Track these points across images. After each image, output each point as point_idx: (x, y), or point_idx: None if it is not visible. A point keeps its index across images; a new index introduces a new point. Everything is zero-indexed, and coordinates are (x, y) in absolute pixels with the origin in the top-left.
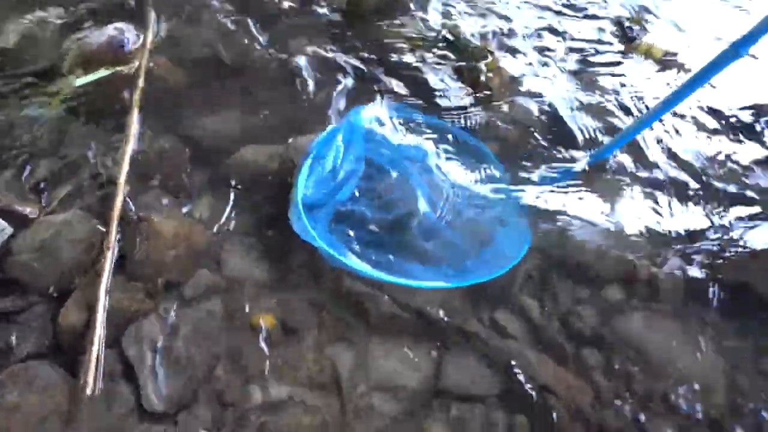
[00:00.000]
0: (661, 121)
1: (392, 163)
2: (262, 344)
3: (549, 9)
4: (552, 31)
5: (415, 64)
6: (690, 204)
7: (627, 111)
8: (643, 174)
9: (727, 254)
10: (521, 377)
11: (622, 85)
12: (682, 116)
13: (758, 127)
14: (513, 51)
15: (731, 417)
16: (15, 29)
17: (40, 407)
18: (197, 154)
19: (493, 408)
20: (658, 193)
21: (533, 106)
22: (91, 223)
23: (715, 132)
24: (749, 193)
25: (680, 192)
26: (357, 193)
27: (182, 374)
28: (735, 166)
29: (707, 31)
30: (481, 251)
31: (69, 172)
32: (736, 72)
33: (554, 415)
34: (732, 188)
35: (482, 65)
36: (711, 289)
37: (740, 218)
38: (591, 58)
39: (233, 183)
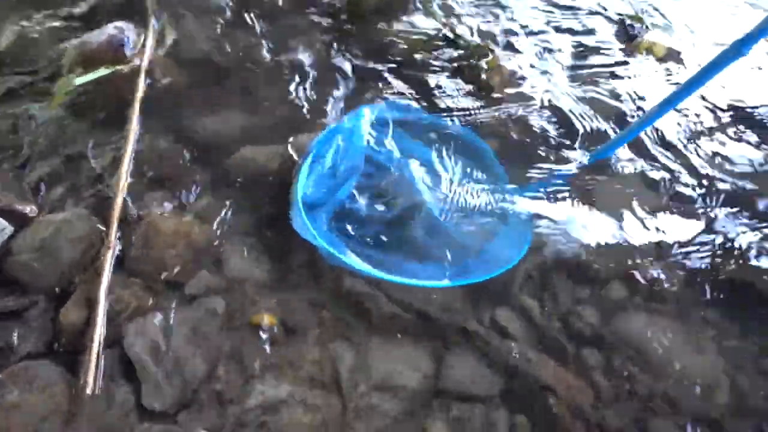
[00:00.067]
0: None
1: (392, 161)
2: (262, 344)
3: (550, 7)
4: (553, 28)
5: (415, 63)
6: (691, 203)
7: (628, 109)
8: (644, 172)
9: (729, 253)
10: (521, 377)
11: (624, 84)
12: (684, 114)
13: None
14: (514, 49)
15: (732, 417)
16: (15, 29)
17: (40, 407)
18: (197, 154)
19: (493, 408)
20: (659, 191)
21: (534, 105)
22: (91, 222)
23: (717, 129)
24: (751, 192)
25: (682, 190)
26: (357, 192)
27: (182, 373)
28: (737, 164)
29: (709, 29)
30: (481, 250)
31: (69, 171)
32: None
33: (555, 414)
34: (734, 187)
35: (483, 63)
36: (712, 289)
37: (742, 217)
38: (592, 57)
39: (233, 182)
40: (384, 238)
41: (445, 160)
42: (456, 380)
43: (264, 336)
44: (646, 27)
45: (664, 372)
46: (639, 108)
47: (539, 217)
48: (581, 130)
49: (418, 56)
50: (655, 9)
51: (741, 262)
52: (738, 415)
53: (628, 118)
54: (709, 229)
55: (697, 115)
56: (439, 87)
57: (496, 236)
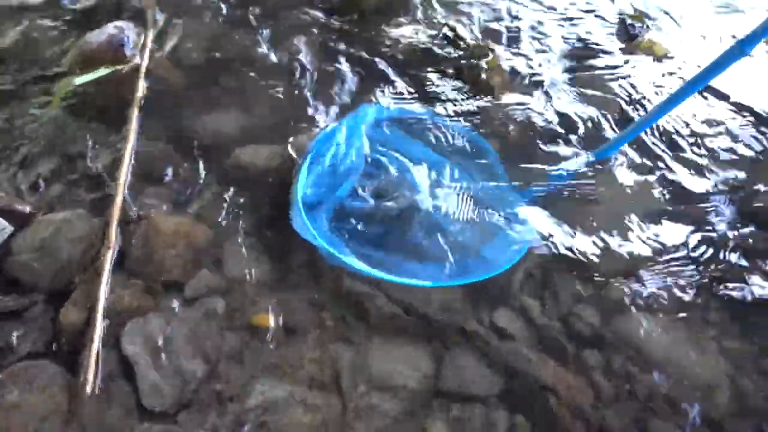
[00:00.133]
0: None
1: (392, 161)
2: (262, 344)
3: (550, 6)
4: (553, 28)
5: (415, 63)
6: (692, 202)
7: (629, 109)
8: (645, 172)
9: (730, 253)
10: (521, 377)
11: (624, 83)
12: (686, 113)
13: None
14: (514, 49)
15: (733, 418)
16: (15, 28)
17: (40, 407)
18: (197, 153)
19: (493, 408)
20: (659, 191)
21: (534, 104)
22: (91, 222)
23: (718, 127)
24: (752, 192)
25: (682, 190)
26: (357, 192)
27: (182, 374)
28: (738, 164)
29: (710, 28)
30: (481, 250)
31: (69, 171)
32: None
33: (555, 414)
34: (736, 186)
35: (483, 63)
36: (713, 289)
37: (743, 216)
38: (592, 56)
39: (233, 182)
40: (384, 238)
41: (444, 159)
42: (456, 380)
43: (264, 336)
44: (647, 26)
45: (665, 372)
46: (639, 107)
47: (540, 215)
48: (582, 130)
49: (417, 56)
50: (656, 8)
51: (741, 261)
52: (738, 416)
53: (629, 118)
54: (710, 228)
55: (700, 111)
56: (438, 87)
57: (496, 236)
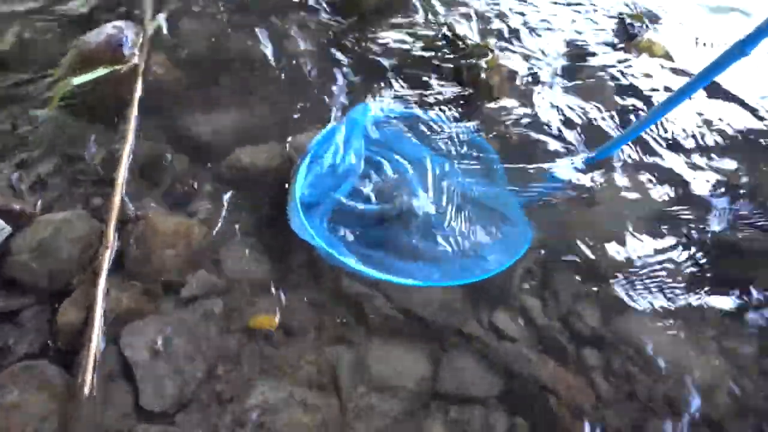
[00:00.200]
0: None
1: (391, 161)
2: (262, 344)
3: (549, 6)
4: (552, 28)
5: (414, 63)
6: (693, 202)
7: (628, 108)
8: (645, 170)
9: (730, 252)
10: (521, 378)
11: (623, 83)
12: (687, 112)
13: None
14: (513, 49)
15: (733, 418)
16: (14, 29)
17: (38, 407)
18: (196, 153)
19: (492, 409)
20: (659, 190)
21: (534, 104)
22: (90, 222)
23: (720, 126)
24: (753, 192)
25: (683, 189)
26: (356, 192)
27: (181, 374)
28: (738, 163)
29: (709, 28)
30: (480, 250)
31: (68, 171)
32: None
33: (554, 415)
34: (737, 186)
35: (482, 63)
36: (713, 288)
37: (744, 216)
38: (592, 56)
39: (232, 182)
40: (382, 239)
41: (444, 159)
42: (455, 381)
43: (263, 336)
44: (646, 26)
45: (665, 372)
46: (638, 107)
47: (539, 215)
48: (581, 130)
49: (417, 56)
50: (655, 8)
51: (743, 261)
52: (738, 416)
53: (628, 117)
54: (710, 228)
55: (701, 110)
56: (438, 87)
57: (496, 236)
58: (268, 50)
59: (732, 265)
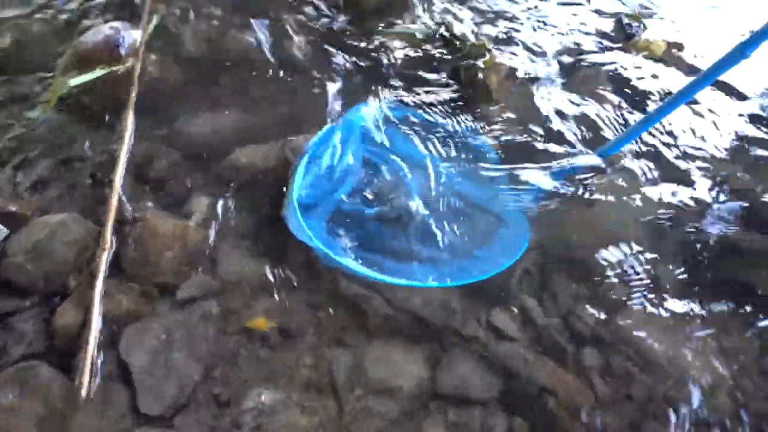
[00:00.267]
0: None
1: (389, 162)
2: (259, 346)
3: (547, 6)
4: (550, 28)
5: (412, 63)
6: (693, 201)
7: (627, 108)
8: (645, 170)
9: (730, 253)
10: (520, 378)
11: (622, 83)
12: (690, 110)
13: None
14: (511, 49)
15: (733, 418)
16: (11, 30)
17: (36, 409)
18: (193, 154)
19: (491, 410)
20: (659, 189)
21: (531, 104)
22: (87, 224)
23: (721, 125)
24: (753, 192)
25: (684, 188)
26: (354, 193)
27: (178, 376)
28: (740, 162)
29: (708, 28)
30: (478, 251)
31: (64, 173)
32: None
33: (554, 416)
34: (738, 185)
35: (480, 63)
36: (713, 288)
37: (744, 216)
38: (590, 55)
39: (229, 183)
40: (380, 240)
41: (443, 160)
42: (454, 383)
43: (260, 338)
44: (644, 26)
45: (665, 372)
46: (637, 107)
47: (538, 216)
48: (579, 129)
49: (415, 56)
50: (653, 8)
51: (742, 261)
52: (738, 416)
53: (627, 118)
54: (710, 228)
55: (701, 110)
56: (436, 86)
57: (494, 237)
58: (267, 50)
59: (732, 265)
